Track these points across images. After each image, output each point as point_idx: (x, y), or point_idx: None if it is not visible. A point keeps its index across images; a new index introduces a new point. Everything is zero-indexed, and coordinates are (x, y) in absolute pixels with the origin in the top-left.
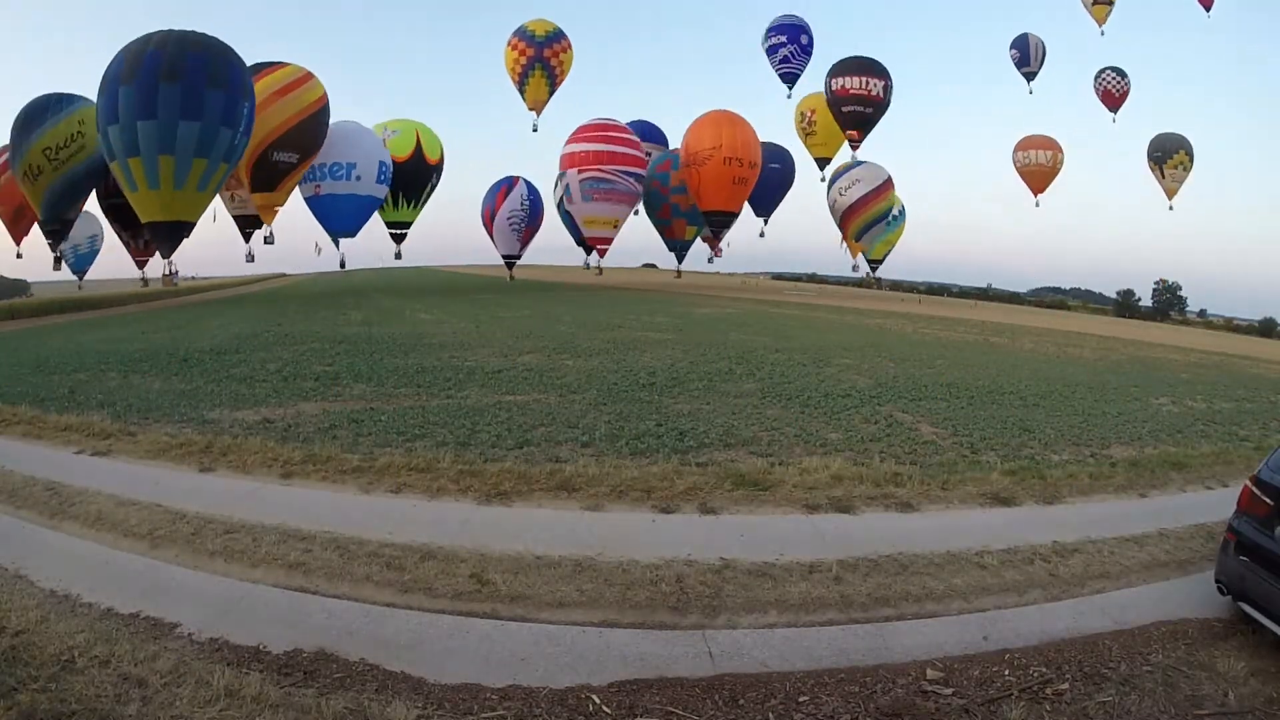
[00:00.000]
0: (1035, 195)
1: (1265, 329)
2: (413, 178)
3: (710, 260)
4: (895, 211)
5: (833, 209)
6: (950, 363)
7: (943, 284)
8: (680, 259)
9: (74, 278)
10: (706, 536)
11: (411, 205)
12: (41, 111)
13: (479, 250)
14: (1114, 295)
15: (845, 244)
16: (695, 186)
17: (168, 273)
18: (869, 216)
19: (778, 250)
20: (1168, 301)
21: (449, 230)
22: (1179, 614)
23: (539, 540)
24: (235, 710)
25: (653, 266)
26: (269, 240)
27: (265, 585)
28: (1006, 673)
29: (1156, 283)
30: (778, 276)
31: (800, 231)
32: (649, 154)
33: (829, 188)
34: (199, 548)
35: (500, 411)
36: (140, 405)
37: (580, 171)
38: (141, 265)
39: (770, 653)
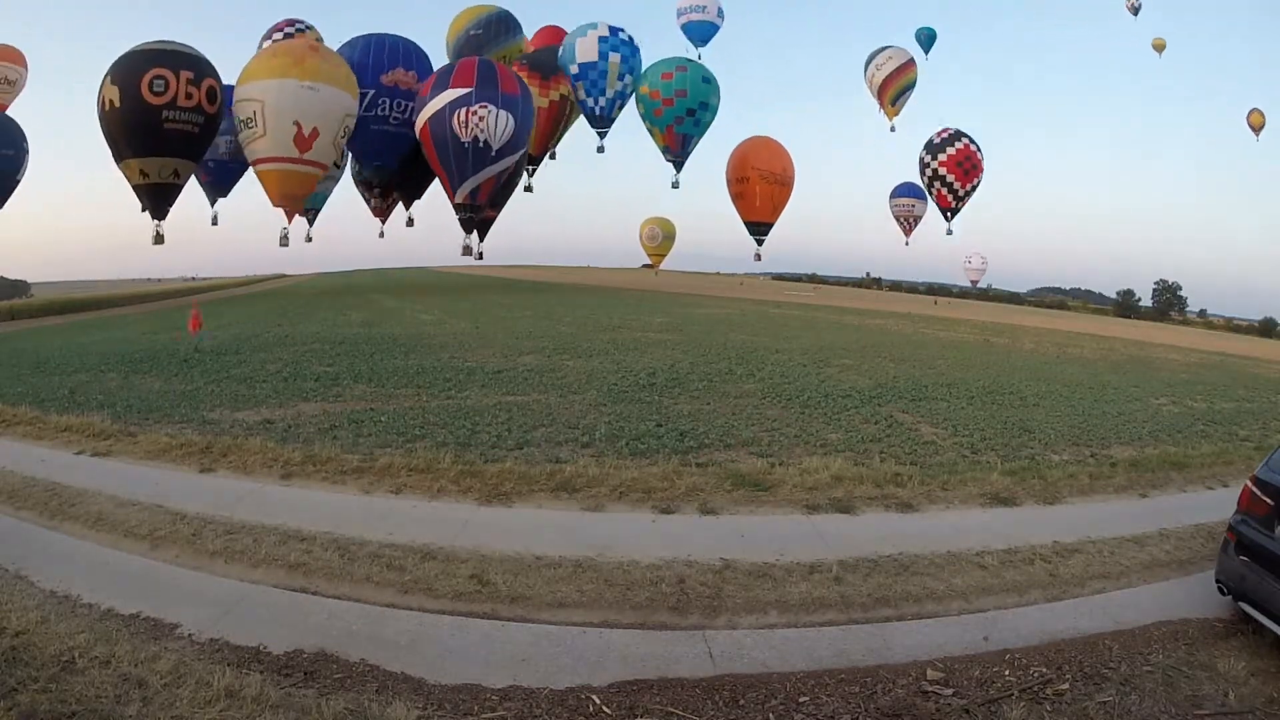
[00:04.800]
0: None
1: (1265, 329)
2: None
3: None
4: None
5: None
6: (950, 363)
7: (943, 284)
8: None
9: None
10: (707, 537)
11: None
12: None
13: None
14: (1114, 295)
15: (882, 109)
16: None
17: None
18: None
19: (778, 250)
20: (1168, 301)
21: (452, 230)
22: (1179, 614)
23: (539, 541)
24: (235, 711)
25: (650, 267)
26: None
27: (266, 586)
28: (1007, 673)
29: (1156, 283)
30: (778, 277)
31: (801, 231)
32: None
33: (865, 66)
34: (199, 548)
35: (500, 412)
36: (140, 406)
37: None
38: (383, 220)
39: (771, 653)
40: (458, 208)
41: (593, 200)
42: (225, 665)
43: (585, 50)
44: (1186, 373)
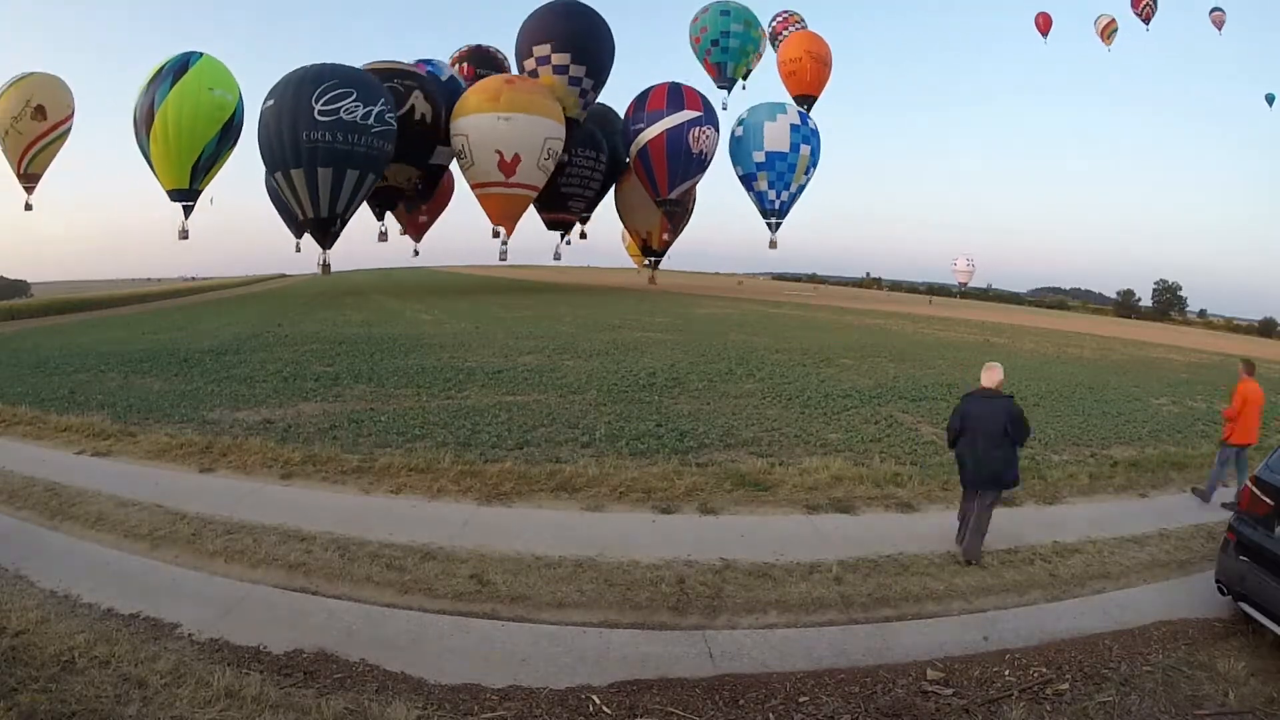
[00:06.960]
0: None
1: (1265, 329)
2: None
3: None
4: None
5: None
6: (950, 363)
7: (943, 284)
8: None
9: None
10: (707, 537)
11: None
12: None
13: (480, 250)
14: (1114, 295)
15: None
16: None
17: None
18: None
19: (778, 250)
20: (1168, 301)
21: (453, 230)
22: (1179, 614)
23: (539, 541)
24: (235, 711)
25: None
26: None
27: (266, 586)
28: (1007, 673)
29: (1156, 283)
30: (778, 277)
31: (801, 231)
32: None
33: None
34: (199, 548)
35: (500, 412)
36: (141, 406)
37: None
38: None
39: (770, 653)
40: (663, 201)
41: None
42: (225, 665)
43: (775, 138)
44: (1186, 373)
